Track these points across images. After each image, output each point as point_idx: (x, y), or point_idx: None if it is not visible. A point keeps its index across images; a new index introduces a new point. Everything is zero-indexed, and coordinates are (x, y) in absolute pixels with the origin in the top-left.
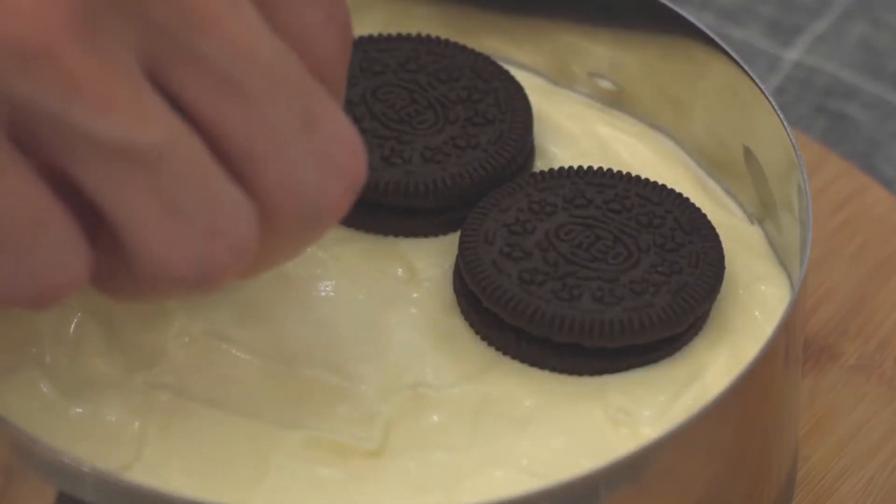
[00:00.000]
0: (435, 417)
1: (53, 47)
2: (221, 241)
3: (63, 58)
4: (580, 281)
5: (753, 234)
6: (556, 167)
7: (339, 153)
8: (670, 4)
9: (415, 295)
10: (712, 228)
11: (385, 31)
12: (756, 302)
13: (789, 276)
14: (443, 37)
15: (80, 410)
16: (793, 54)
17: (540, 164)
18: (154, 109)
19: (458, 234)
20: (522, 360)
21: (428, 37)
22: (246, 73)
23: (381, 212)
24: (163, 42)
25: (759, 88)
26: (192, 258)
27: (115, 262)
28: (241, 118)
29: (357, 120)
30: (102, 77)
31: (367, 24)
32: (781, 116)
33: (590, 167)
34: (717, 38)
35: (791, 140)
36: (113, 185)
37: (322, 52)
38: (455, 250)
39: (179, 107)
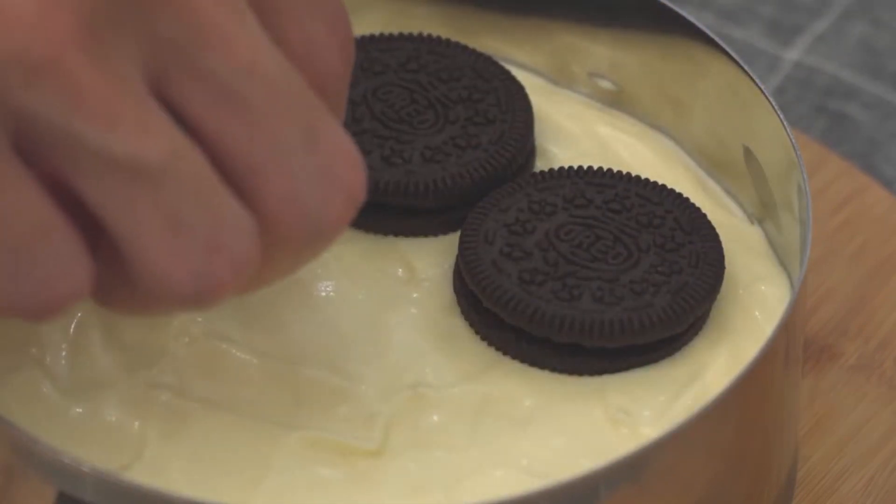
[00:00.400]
0: (435, 417)
1: (59, 58)
2: (222, 256)
3: (68, 70)
4: (580, 281)
5: (753, 234)
6: (556, 167)
7: (340, 168)
8: (670, 4)
9: (415, 295)
10: (712, 228)
11: (385, 31)
12: (756, 302)
13: (789, 276)
14: (443, 36)
15: (80, 410)
16: (793, 54)
17: (540, 164)
18: (158, 124)
19: (458, 234)
20: (522, 360)
21: (429, 36)
22: (249, 88)
23: (381, 212)
24: (167, 55)
25: (759, 88)
26: (193, 273)
27: (115, 275)
28: (244, 132)
29: (357, 120)
30: (107, 90)
31: (367, 24)
32: (781, 116)
33: (590, 167)
34: (717, 38)
35: (791, 140)
36: (115, 199)
37: (323, 67)
38: (455, 250)
39: (182, 121)
